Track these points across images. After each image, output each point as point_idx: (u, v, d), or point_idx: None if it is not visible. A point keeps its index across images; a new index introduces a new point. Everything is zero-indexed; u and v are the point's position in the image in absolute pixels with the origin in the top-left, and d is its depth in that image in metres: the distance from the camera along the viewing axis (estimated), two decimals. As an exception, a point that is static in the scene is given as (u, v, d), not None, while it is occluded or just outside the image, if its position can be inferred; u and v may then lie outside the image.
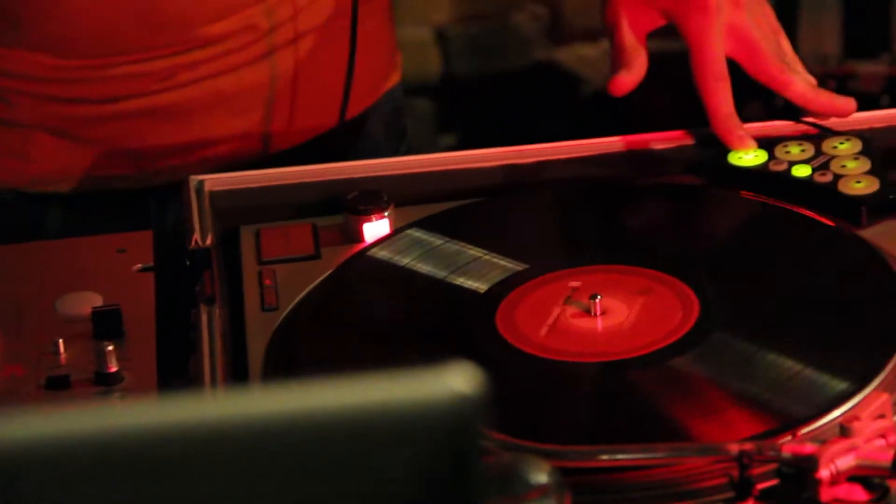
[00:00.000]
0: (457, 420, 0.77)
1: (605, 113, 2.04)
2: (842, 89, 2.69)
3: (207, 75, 1.87)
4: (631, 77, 1.67)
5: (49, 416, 0.78)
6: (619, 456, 1.22)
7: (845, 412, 1.22)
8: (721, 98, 1.61)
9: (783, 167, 1.57)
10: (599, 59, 3.61)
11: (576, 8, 3.70)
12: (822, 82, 2.52)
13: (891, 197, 1.51)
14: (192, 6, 1.84)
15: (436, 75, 3.87)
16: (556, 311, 1.40)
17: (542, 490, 1.09)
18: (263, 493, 0.80)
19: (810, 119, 1.64)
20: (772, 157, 1.59)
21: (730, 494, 1.18)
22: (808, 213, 1.53)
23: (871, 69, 2.80)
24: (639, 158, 1.67)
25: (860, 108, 1.65)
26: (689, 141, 1.66)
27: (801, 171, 1.56)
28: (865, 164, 1.55)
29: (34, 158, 1.88)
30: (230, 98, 1.89)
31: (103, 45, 1.84)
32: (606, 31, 1.78)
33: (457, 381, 0.76)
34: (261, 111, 1.90)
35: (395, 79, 2.08)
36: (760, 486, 1.17)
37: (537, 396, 1.34)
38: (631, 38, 1.72)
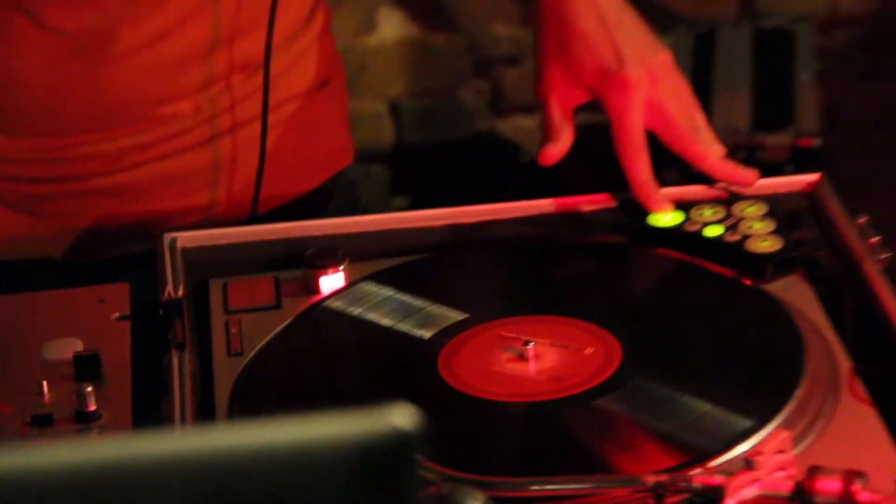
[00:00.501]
0: (397, 453, 0.76)
1: (540, 178, 2.05)
2: (750, 159, 2.72)
3: (154, 157, 1.84)
4: (558, 148, 1.69)
5: (30, 450, 0.76)
6: (548, 487, 1.22)
7: (750, 447, 1.23)
8: (640, 166, 1.63)
9: (697, 227, 1.58)
10: (536, 129, 3.62)
11: (514, 84, 3.70)
12: (733, 153, 2.54)
13: (793, 255, 1.52)
14: (137, 89, 1.81)
15: (389, 143, 3.85)
16: (492, 357, 1.40)
17: None
18: None
19: (721, 184, 1.66)
20: (687, 218, 1.59)
21: None
22: (719, 269, 1.54)
23: (777, 140, 2.81)
24: (569, 219, 1.67)
25: (767, 175, 1.67)
26: (613, 204, 1.67)
27: (713, 231, 1.56)
28: (770, 226, 1.55)
29: None
30: (177, 179, 1.86)
31: (54, 122, 1.81)
32: (539, 105, 1.80)
33: (398, 418, 0.76)
34: (206, 191, 1.87)
35: (347, 160, 2.04)
36: None
37: (474, 433, 1.34)
38: (559, 113, 1.73)
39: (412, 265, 1.60)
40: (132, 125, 1.81)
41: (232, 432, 0.81)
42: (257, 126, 1.88)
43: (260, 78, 1.87)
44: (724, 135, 2.60)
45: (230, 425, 1.05)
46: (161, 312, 1.50)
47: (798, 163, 2.80)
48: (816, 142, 2.80)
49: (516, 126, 3.86)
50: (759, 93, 2.98)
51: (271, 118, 1.86)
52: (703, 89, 2.98)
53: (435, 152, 3.92)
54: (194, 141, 1.85)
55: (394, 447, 0.76)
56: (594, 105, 1.68)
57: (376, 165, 3.82)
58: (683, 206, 1.62)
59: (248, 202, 1.87)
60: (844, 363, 1.37)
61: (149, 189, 1.83)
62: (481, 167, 3.89)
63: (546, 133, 1.77)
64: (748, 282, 1.51)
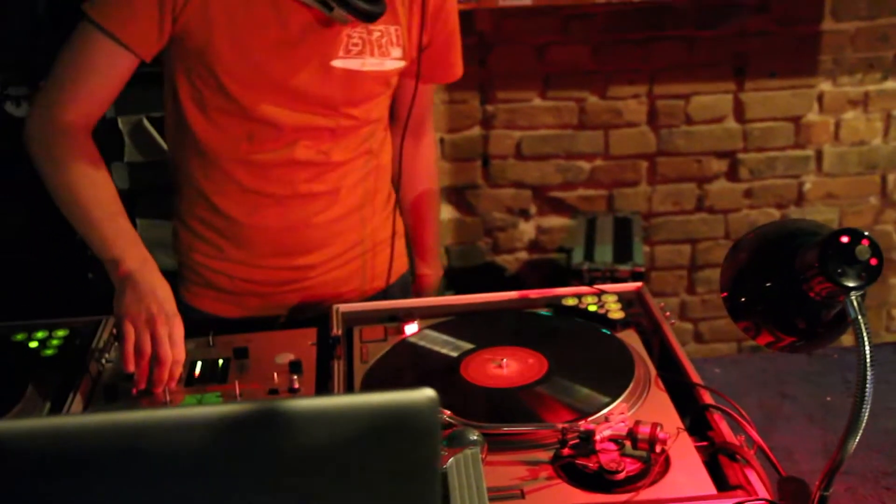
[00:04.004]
0: (430, 410, 0.73)
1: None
2: (613, 275, 2.74)
3: (333, 267, 1.77)
4: None
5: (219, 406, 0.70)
6: (511, 428, 1.23)
7: (607, 411, 1.25)
8: None
9: (585, 305, 1.55)
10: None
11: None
12: (604, 274, 2.55)
13: (628, 320, 1.51)
14: (327, 231, 1.73)
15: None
16: (486, 365, 1.40)
17: (474, 442, 1.09)
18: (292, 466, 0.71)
19: (597, 287, 1.62)
20: (579, 302, 1.57)
21: (557, 445, 1.19)
22: (595, 325, 1.52)
23: (625, 267, 2.79)
24: (524, 301, 1.61)
25: (616, 283, 1.66)
26: (548, 294, 1.61)
27: (593, 307, 1.55)
28: (618, 305, 1.55)
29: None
30: (344, 279, 1.78)
31: (278, 251, 1.72)
32: None
33: (428, 393, 0.74)
34: (359, 282, 1.80)
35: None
36: (571, 441, 1.19)
37: (476, 402, 1.33)
38: None
39: (447, 322, 1.57)
40: (324, 248, 1.75)
41: (343, 398, 0.78)
42: (388, 247, 1.84)
43: (388, 211, 1.84)
44: (601, 264, 2.65)
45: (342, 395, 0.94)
46: (330, 342, 1.48)
47: (634, 277, 2.78)
48: (642, 269, 2.81)
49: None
50: (616, 246, 2.97)
51: None
52: (591, 245, 2.99)
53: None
54: (355, 254, 1.79)
55: (425, 406, 0.72)
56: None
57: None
58: (579, 296, 1.59)
59: (381, 287, 1.83)
60: (653, 371, 1.38)
61: (330, 283, 1.77)
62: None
63: None
64: (608, 331, 1.50)
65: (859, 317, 0.95)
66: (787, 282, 1.03)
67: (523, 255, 3.34)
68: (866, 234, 0.96)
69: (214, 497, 0.68)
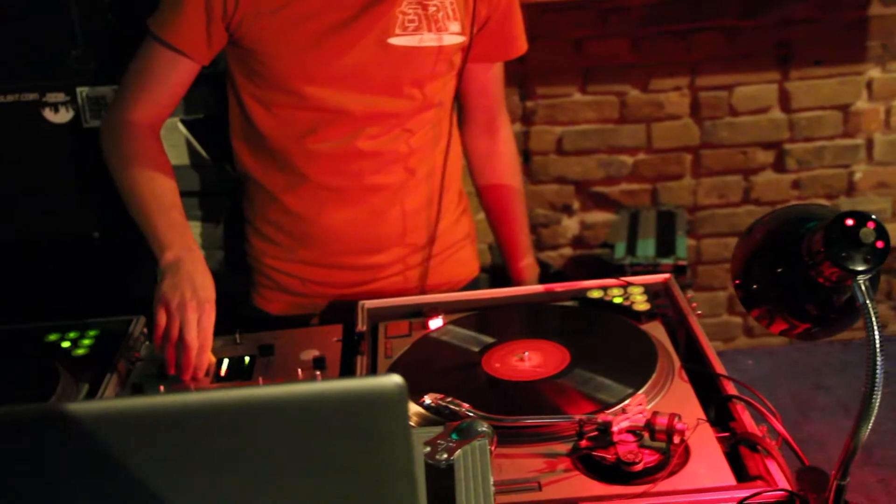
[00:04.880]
0: (394, 394, 0.71)
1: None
2: (655, 268, 2.71)
3: (392, 274, 1.78)
4: None
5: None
6: (529, 420, 1.22)
7: (625, 403, 1.22)
8: None
9: (610, 298, 1.55)
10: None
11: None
12: (646, 266, 2.52)
13: (654, 311, 1.51)
14: (394, 229, 1.74)
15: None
16: (507, 359, 1.40)
17: (482, 434, 1.09)
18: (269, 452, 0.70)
19: (623, 279, 1.60)
20: (605, 294, 1.56)
21: (575, 437, 1.19)
22: (620, 317, 1.52)
23: (667, 261, 2.78)
24: (547, 295, 1.61)
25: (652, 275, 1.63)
26: (574, 287, 1.60)
27: (618, 300, 1.55)
28: (644, 297, 1.54)
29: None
30: (393, 288, 1.78)
31: (345, 250, 1.74)
32: None
33: (395, 379, 0.72)
34: (401, 285, 1.79)
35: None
36: (589, 433, 1.18)
37: (497, 394, 1.33)
38: None
39: (469, 317, 1.57)
40: (392, 247, 1.75)
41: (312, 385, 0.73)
42: (459, 249, 1.84)
43: (459, 212, 1.83)
44: (643, 259, 2.63)
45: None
46: (355, 338, 1.50)
47: (676, 271, 2.73)
48: (685, 263, 2.78)
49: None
50: (659, 240, 2.94)
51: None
52: (634, 239, 2.97)
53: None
54: (426, 255, 1.79)
55: (394, 393, 0.71)
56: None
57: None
58: (605, 289, 1.59)
59: (419, 288, 1.81)
60: (677, 362, 1.37)
61: (400, 285, 1.77)
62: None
63: None
64: (634, 323, 1.49)
65: (867, 301, 0.94)
66: (796, 268, 1.02)
67: (567, 251, 3.33)
68: (872, 216, 0.94)
69: (171, 490, 0.68)
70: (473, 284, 1.87)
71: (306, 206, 1.68)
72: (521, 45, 1.77)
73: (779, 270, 1.06)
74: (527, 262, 1.89)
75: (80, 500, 0.65)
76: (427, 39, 1.61)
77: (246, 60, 1.62)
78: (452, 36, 1.63)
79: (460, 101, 1.78)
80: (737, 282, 1.13)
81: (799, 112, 3.15)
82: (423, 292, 1.77)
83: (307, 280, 1.74)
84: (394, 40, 1.59)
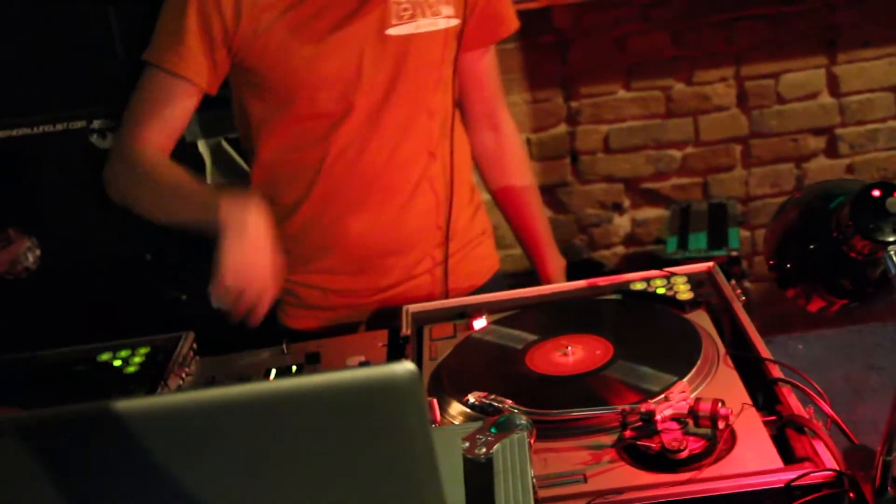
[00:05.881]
0: (407, 381, 0.71)
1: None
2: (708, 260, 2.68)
3: (417, 274, 1.77)
4: None
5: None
6: (572, 413, 1.22)
7: (667, 391, 1.22)
8: None
9: (653, 289, 1.54)
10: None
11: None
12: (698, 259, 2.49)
13: (698, 300, 1.49)
14: (414, 231, 1.74)
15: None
16: (550, 354, 1.40)
17: (521, 427, 1.09)
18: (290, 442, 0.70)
19: (666, 269, 1.60)
20: (648, 285, 1.55)
21: (619, 428, 1.18)
22: (664, 307, 1.51)
23: (719, 253, 2.76)
24: (591, 289, 1.60)
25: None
26: (615, 281, 1.59)
27: (661, 290, 1.54)
28: (687, 286, 1.53)
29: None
30: (420, 286, 1.78)
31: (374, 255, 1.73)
32: None
33: (407, 366, 0.72)
34: (429, 288, 1.79)
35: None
36: (633, 423, 1.17)
37: (540, 389, 1.33)
38: None
39: (512, 316, 1.56)
40: (410, 250, 1.75)
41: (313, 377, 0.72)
42: (477, 245, 1.84)
43: (472, 208, 1.83)
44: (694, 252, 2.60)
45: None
46: (400, 342, 1.50)
47: (730, 263, 2.71)
48: (738, 254, 2.75)
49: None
50: (710, 233, 2.92)
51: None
52: (685, 233, 2.95)
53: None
54: (443, 255, 1.78)
55: (407, 379, 0.71)
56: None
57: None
58: (647, 280, 1.58)
59: (476, 286, 1.82)
60: (721, 349, 1.36)
61: (423, 287, 1.77)
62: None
63: None
64: (678, 312, 1.48)
65: (900, 271, 0.92)
66: (828, 243, 1.00)
67: (620, 249, 3.31)
68: (897, 185, 0.93)
69: (191, 486, 0.69)
70: (495, 280, 1.87)
71: (322, 215, 1.69)
72: (513, 22, 1.78)
73: (811, 248, 1.04)
74: (552, 257, 1.90)
75: (109, 498, 0.67)
76: (423, 25, 1.61)
77: (252, 82, 1.62)
78: (447, 20, 1.64)
79: (459, 100, 1.77)
80: (771, 262, 1.12)
81: (849, 96, 3.10)
82: (447, 293, 1.77)
83: (328, 290, 1.74)
84: (391, 31, 1.60)
